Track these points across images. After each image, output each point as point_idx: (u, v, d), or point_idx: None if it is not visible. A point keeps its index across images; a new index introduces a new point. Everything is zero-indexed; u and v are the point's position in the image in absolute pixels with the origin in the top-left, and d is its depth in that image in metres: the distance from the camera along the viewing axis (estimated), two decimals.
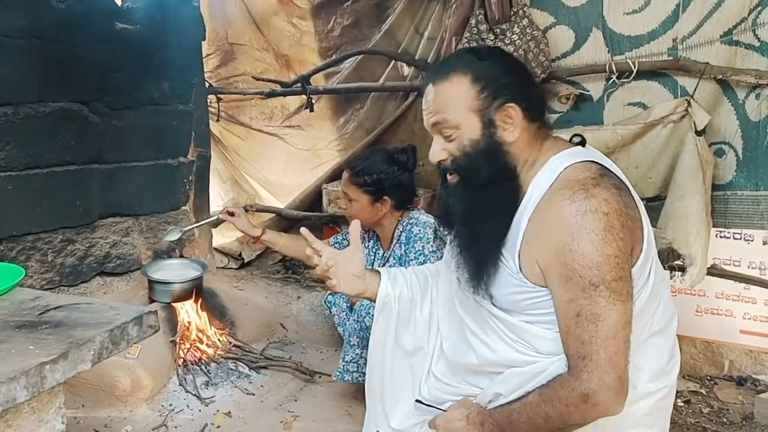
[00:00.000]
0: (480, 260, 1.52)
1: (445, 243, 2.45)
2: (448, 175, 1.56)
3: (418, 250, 2.49)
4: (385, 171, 2.59)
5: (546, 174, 1.46)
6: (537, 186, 1.46)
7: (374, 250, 2.79)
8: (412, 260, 2.49)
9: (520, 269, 1.45)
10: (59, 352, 1.26)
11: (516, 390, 1.47)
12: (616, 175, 1.47)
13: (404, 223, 2.62)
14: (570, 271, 1.35)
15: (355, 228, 1.85)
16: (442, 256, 1.75)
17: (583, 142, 1.59)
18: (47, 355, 1.25)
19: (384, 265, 2.67)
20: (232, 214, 2.79)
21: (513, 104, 1.47)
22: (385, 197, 2.59)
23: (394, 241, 2.63)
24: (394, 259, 2.61)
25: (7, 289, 1.61)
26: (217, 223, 3.32)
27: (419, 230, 2.54)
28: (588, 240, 1.33)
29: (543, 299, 1.45)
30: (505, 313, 1.52)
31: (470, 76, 1.49)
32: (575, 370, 1.36)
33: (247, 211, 4.56)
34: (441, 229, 1.71)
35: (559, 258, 1.37)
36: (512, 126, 1.48)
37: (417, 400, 1.73)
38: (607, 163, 1.51)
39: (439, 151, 1.52)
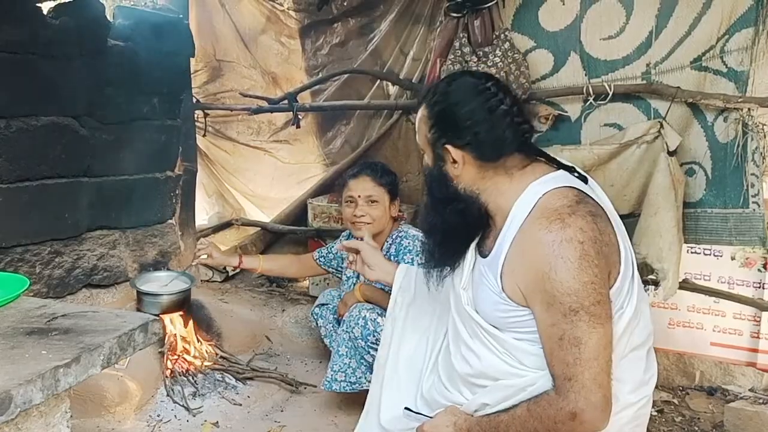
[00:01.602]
0: (431, 255, 1.72)
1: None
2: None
3: (408, 262, 2.55)
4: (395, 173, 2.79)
5: (527, 198, 1.52)
6: (518, 210, 1.52)
7: None
8: None
9: (503, 289, 1.52)
10: (72, 356, 1.31)
11: (503, 401, 1.53)
12: (594, 200, 1.52)
13: (394, 236, 2.70)
14: (550, 298, 1.42)
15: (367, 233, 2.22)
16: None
17: (570, 168, 1.63)
18: (60, 359, 1.29)
19: None
20: (205, 260, 2.97)
21: (450, 146, 1.59)
22: (397, 198, 2.74)
23: (383, 253, 2.70)
24: None
25: (13, 298, 1.64)
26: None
27: (409, 243, 2.62)
28: (565, 268, 1.39)
29: (527, 318, 1.51)
30: (494, 328, 1.58)
31: (427, 113, 1.65)
32: (562, 390, 1.42)
33: (231, 225, 4.63)
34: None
35: (539, 285, 1.43)
36: (458, 164, 1.60)
37: (406, 408, 1.77)
38: (587, 186, 1.57)
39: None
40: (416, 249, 2.59)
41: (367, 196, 2.70)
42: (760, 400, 2.85)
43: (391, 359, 1.92)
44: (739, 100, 2.85)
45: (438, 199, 1.65)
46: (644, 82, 3.09)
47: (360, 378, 2.54)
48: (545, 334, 1.45)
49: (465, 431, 1.57)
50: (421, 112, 1.66)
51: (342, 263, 2.98)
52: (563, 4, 3.23)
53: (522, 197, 1.53)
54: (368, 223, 2.67)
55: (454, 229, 1.64)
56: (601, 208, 1.52)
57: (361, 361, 2.53)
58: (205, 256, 2.95)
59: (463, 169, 1.59)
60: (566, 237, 1.40)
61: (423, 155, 1.71)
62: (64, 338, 1.41)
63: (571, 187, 1.52)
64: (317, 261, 3.08)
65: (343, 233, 3.11)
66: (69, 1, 2.87)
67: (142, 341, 1.50)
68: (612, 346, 1.43)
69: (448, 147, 1.59)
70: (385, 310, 2.50)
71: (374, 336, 2.46)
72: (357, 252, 2.05)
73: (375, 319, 2.49)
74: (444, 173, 1.62)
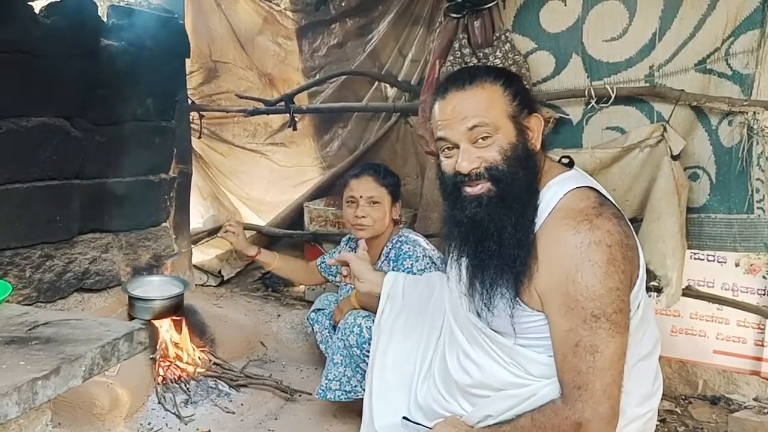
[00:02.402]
0: (494, 280, 1.48)
1: (434, 262, 2.50)
2: (466, 188, 1.50)
3: (407, 267, 2.51)
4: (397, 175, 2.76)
5: (546, 199, 1.47)
6: (539, 209, 1.48)
7: None
8: None
9: (518, 293, 1.46)
10: (51, 368, 1.26)
11: (506, 412, 1.49)
12: (612, 203, 1.49)
13: (394, 240, 2.66)
14: (572, 302, 1.37)
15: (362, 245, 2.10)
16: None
17: (571, 163, 1.61)
18: (39, 371, 1.24)
19: None
20: (231, 237, 2.89)
21: (538, 115, 1.51)
22: (398, 200, 2.71)
23: (382, 258, 2.66)
24: None
25: None
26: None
27: (409, 248, 2.58)
28: (591, 272, 1.35)
29: (538, 324, 1.46)
30: (500, 335, 1.53)
31: (501, 84, 1.50)
32: (570, 398, 1.38)
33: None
34: (449, 243, 1.62)
35: (561, 288, 1.38)
36: (535, 137, 1.51)
37: (404, 418, 1.74)
38: (600, 188, 1.53)
39: (473, 159, 1.47)
40: (416, 254, 2.55)
41: (369, 197, 2.66)
42: (765, 410, 2.80)
43: (377, 367, 1.88)
44: (745, 103, 2.80)
45: (524, 183, 1.47)
46: (647, 84, 3.05)
47: (355, 387, 2.49)
48: (559, 340, 1.41)
49: None
50: (488, 88, 1.49)
51: (340, 269, 2.93)
52: (565, 5, 3.18)
53: (543, 195, 1.49)
54: (369, 225, 2.63)
55: (528, 231, 1.47)
56: (620, 210, 1.49)
57: (357, 369, 2.48)
58: (232, 233, 2.90)
59: (538, 144, 1.51)
60: (595, 239, 1.36)
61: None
62: (44, 348, 1.35)
63: (590, 188, 1.49)
64: (318, 268, 3.05)
65: (343, 238, 3.06)
66: (61, 0, 2.82)
67: (126, 351, 1.44)
68: (625, 358, 1.40)
69: (536, 115, 1.51)
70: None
71: (370, 344, 2.40)
72: (347, 264, 2.00)
73: (371, 326, 2.43)
74: (528, 148, 1.49)
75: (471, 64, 3.16)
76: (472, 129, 1.47)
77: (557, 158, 1.64)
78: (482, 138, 1.47)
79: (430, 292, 1.95)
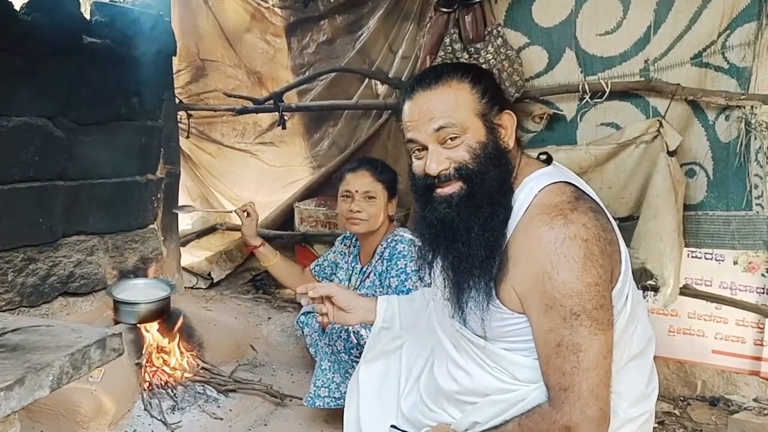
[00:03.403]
0: (464, 283, 1.44)
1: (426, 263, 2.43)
2: (437, 189, 1.46)
3: (401, 267, 2.46)
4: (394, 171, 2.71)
5: (522, 197, 1.43)
6: (513, 210, 1.43)
7: (353, 265, 2.75)
8: (393, 277, 2.46)
9: (496, 295, 1.41)
10: (15, 378, 1.19)
11: (494, 418, 1.44)
12: (591, 197, 1.45)
13: (389, 239, 2.60)
14: (550, 300, 1.32)
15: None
16: (422, 277, 1.71)
17: (549, 160, 1.55)
18: (2, 382, 1.17)
19: (364, 281, 2.63)
20: (248, 215, 2.81)
21: (509, 111, 1.47)
22: (395, 197, 2.66)
23: (377, 256, 2.60)
24: (374, 275, 2.57)
25: None
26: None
27: (404, 247, 2.52)
28: (568, 268, 1.31)
29: (521, 326, 1.41)
30: (483, 340, 1.48)
31: (469, 81, 1.46)
32: (556, 401, 1.33)
33: (216, 230, 4.53)
34: (422, 246, 1.57)
35: (538, 286, 1.34)
36: (508, 134, 1.47)
37: (392, 426, 1.69)
38: (579, 182, 1.49)
39: (442, 160, 1.43)
40: (411, 254, 2.49)
41: (365, 192, 2.60)
42: (765, 411, 2.76)
43: (360, 385, 1.84)
44: (742, 97, 2.78)
45: (495, 182, 1.43)
46: (642, 79, 3.02)
47: (345, 393, 2.41)
48: (541, 341, 1.36)
49: None
50: (455, 87, 1.45)
51: (335, 270, 2.86)
52: None
53: (518, 193, 1.44)
54: (364, 220, 2.57)
55: (500, 232, 1.42)
56: (598, 204, 1.44)
57: (345, 375, 2.43)
58: (249, 215, 2.83)
59: (511, 141, 1.47)
60: (569, 234, 1.31)
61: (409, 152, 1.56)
62: (10, 356, 1.29)
63: (566, 182, 1.44)
64: (312, 272, 2.98)
65: (338, 239, 2.98)
66: None
67: (99, 358, 1.37)
68: (612, 356, 1.34)
69: (508, 112, 1.47)
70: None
71: (358, 349, 2.36)
72: (328, 299, 1.79)
73: (358, 331, 2.39)
74: (499, 146, 1.45)
75: (462, 60, 3.11)
76: (438, 130, 1.43)
77: (535, 155, 1.58)
78: (450, 138, 1.43)
79: (426, 306, 1.87)
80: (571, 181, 1.46)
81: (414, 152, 1.51)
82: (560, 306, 1.31)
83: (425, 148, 1.46)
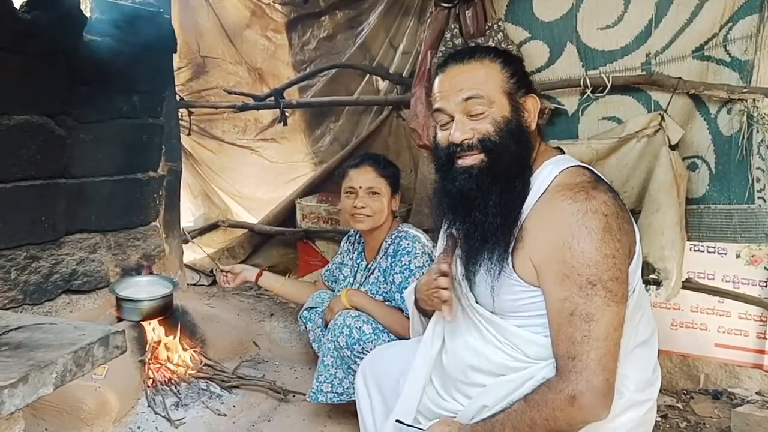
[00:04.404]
0: (477, 251, 1.51)
1: (433, 260, 2.44)
2: (459, 159, 1.52)
3: (405, 264, 2.46)
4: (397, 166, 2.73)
5: (541, 177, 1.50)
6: (534, 185, 1.50)
7: (357, 261, 2.75)
8: (397, 273, 2.46)
9: (513, 268, 1.46)
10: (19, 375, 1.20)
11: (503, 400, 1.47)
12: (607, 183, 1.52)
13: (393, 236, 2.60)
14: (568, 269, 1.37)
15: None
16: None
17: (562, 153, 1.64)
18: (5, 379, 1.18)
19: (368, 277, 2.63)
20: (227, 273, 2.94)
21: (534, 96, 1.55)
22: (398, 193, 2.66)
23: (381, 253, 2.60)
24: (378, 271, 2.58)
25: None
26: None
27: (408, 244, 2.52)
28: (588, 239, 1.36)
29: (534, 300, 1.45)
30: (495, 316, 1.51)
31: (500, 62, 1.54)
32: (564, 370, 1.36)
33: (218, 226, 4.53)
34: (439, 215, 1.65)
35: (557, 255, 1.39)
36: (531, 117, 1.54)
37: (397, 420, 1.70)
38: (596, 171, 1.56)
39: (466, 130, 1.51)
40: (415, 251, 2.49)
41: (369, 188, 2.60)
42: None
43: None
44: (744, 90, 2.74)
45: (515, 156, 1.50)
46: (644, 73, 2.99)
47: (347, 388, 2.43)
48: (554, 310, 1.41)
49: None
50: (487, 65, 1.54)
51: (342, 271, 2.86)
52: None
53: (536, 175, 1.52)
54: (368, 216, 2.57)
55: (517, 208, 1.50)
56: (615, 190, 1.51)
57: (348, 370, 2.43)
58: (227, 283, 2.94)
59: (533, 124, 1.55)
60: (591, 208, 1.38)
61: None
62: (14, 354, 1.29)
63: (584, 167, 1.53)
64: (323, 279, 2.99)
65: (344, 239, 2.98)
66: None
67: (102, 356, 1.38)
68: (622, 330, 1.38)
69: (533, 96, 1.55)
70: (373, 317, 2.41)
71: (360, 345, 2.36)
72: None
73: (360, 327, 2.39)
74: (522, 124, 1.52)
75: None
76: (467, 100, 1.51)
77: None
78: (477, 110, 1.51)
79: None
80: (589, 167, 1.55)
81: (440, 123, 1.58)
82: (577, 275, 1.36)
83: (451, 119, 1.54)
